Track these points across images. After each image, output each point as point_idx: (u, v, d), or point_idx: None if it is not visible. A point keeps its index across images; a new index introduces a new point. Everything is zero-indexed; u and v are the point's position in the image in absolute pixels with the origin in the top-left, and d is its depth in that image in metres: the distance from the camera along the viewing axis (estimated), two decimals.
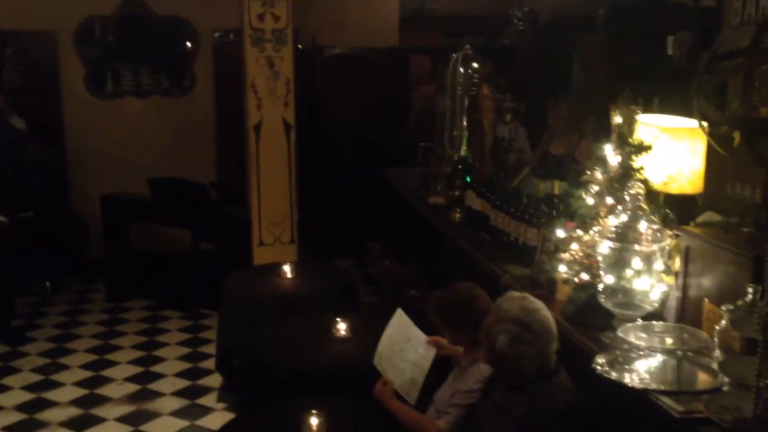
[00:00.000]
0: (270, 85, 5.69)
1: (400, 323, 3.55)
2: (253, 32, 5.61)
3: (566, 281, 3.32)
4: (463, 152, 5.14)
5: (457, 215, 4.84)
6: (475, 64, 5.20)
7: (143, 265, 6.80)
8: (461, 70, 5.19)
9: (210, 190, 6.94)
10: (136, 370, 5.45)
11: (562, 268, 3.36)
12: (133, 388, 5.18)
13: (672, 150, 3.29)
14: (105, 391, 5.15)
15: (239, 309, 4.79)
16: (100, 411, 4.87)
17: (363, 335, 3.98)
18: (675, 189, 3.28)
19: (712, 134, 3.00)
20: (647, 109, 5.46)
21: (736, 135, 2.96)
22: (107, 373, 5.41)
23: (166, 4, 7.31)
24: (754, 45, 2.91)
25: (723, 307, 2.45)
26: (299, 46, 6.95)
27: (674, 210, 3.22)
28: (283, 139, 5.81)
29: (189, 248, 6.69)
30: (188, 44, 7.50)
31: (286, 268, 5.02)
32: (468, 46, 5.28)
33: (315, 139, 7.07)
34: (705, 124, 2.92)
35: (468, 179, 4.93)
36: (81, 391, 5.13)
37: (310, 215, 6.25)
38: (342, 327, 4.09)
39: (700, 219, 3.10)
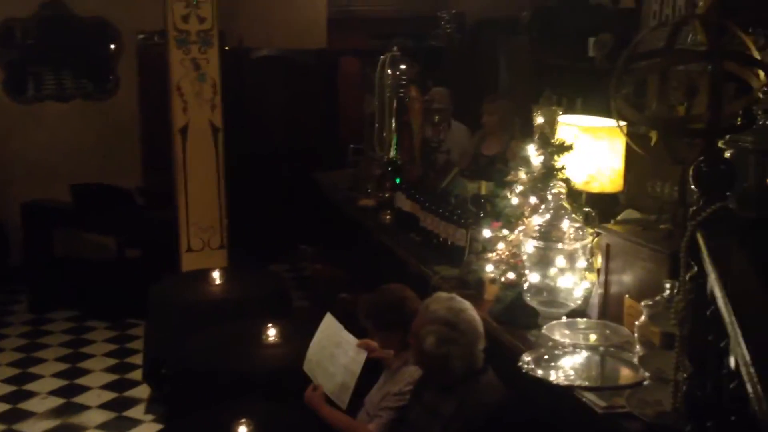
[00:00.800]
0: (196, 87, 5.59)
1: (329, 327, 3.53)
2: (177, 34, 5.50)
3: (493, 281, 3.36)
4: (392, 154, 5.14)
5: (387, 217, 4.85)
6: (403, 66, 5.21)
7: (67, 274, 6.60)
8: (389, 71, 5.19)
9: (136, 195, 6.78)
10: (61, 383, 5.28)
11: (489, 268, 3.41)
12: (57, 401, 5.02)
13: (592, 150, 3.36)
14: (28, 405, 4.97)
15: (167, 317, 4.69)
16: (23, 427, 4.71)
17: (295, 340, 3.94)
18: (596, 188, 3.36)
19: (630, 134, 3.08)
20: (571, 110, 5.59)
21: (653, 134, 3.04)
22: (30, 387, 5.23)
23: (88, 5, 7.11)
24: (669, 45, 3.00)
25: (642, 303, 2.52)
26: (226, 47, 6.85)
27: (597, 208, 3.29)
28: (211, 143, 5.72)
29: (114, 256, 6.52)
30: (112, 46, 7.32)
31: (215, 274, 4.94)
32: (396, 47, 5.30)
33: (244, 141, 6.99)
34: (623, 123, 2.99)
35: (397, 181, 4.93)
36: (2, 407, 4.95)
37: (241, 219, 6.16)
38: (273, 332, 4.05)
39: (620, 217, 3.18)
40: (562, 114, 3.52)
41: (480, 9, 7.86)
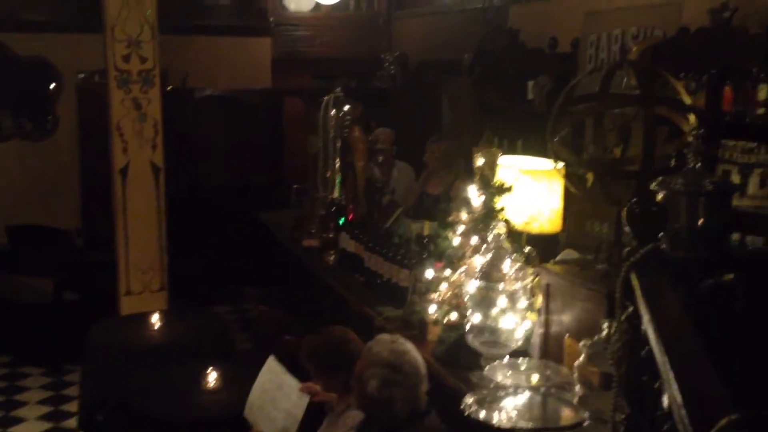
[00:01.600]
0: (137, 127, 5.52)
1: (272, 370, 3.48)
2: (118, 74, 5.45)
3: (436, 322, 3.36)
4: (336, 194, 5.15)
5: (331, 257, 4.82)
6: (346, 107, 5.24)
7: (1, 317, 6.38)
8: (333, 112, 5.22)
9: (74, 236, 6.63)
10: None
11: (432, 309, 3.41)
12: None
13: (532, 191, 3.41)
14: None
15: (104, 362, 4.55)
16: None
17: (236, 384, 3.87)
18: (536, 228, 3.40)
19: (568, 174, 3.14)
20: (512, 150, 5.69)
21: (590, 176, 3.11)
22: None
23: (28, 44, 7.01)
24: (603, 90, 3.09)
25: (581, 343, 2.54)
26: (169, 87, 6.81)
27: (537, 248, 3.32)
28: (152, 183, 5.64)
29: (51, 299, 6.33)
30: (51, 86, 7.20)
31: (155, 317, 4.84)
32: (339, 88, 5.34)
33: (187, 181, 6.92)
34: (560, 165, 3.05)
35: (341, 221, 4.93)
36: None
37: (183, 260, 6.07)
38: (214, 376, 3.97)
39: (559, 257, 3.22)
40: (503, 155, 3.58)
41: (422, 51, 7.99)
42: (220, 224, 7.14)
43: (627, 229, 2.12)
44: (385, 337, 2.95)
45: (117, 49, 5.40)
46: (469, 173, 4.05)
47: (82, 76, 7.20)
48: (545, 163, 3.46)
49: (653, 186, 2.42)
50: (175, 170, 5.99)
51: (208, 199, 7.23)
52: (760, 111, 3.53)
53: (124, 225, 5.56)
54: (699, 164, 2.36)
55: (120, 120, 5.48)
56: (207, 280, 6.83)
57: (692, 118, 2.74)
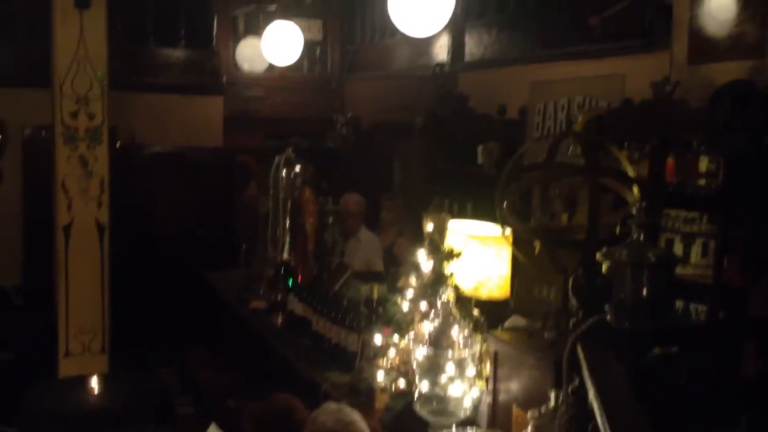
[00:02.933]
0: (82, 184, 5.43)
1: None
2: (65, 130, 5.37)
3: (384, 389, 3.31)
4: (285, 255, 5.10)
5: (279, 320, 4.75)
6: (297, 167, 5.24)
7: None
8: (284, 172, 5.21)
9: (12, 294, 6.42)
10: None
11: (380, 375, 3.36)
12: None
13: (480, 256, 3.43)
14: None
15: (41, 426, 4.39)
16: None
17: None
18: (485, 294, 3.40)
19: (516, 240, 3.17)
20: (462, 214, 5.74)
21: (537, 243, 3.14)
22: None
23: None
24: (549, 159, 3.15)
25: (529, 414, 2.53)
26: (117, 143, 6.73)
27: (486, 314, 3.32)
28: (96, 241, 5.52)
29: None
30: None
31: (94, 381, 4.69)
32: (290, 149, 5.34)
33: (133, 239, 6.79)
34: (508, 232, 3.08)
35: (290, 283, 4.88)
36: None
37: (126, 321, 5.91)
38: None
39: (507, 323, 3.22)
40: (452, 220, 3.60)
41: (374, 113, 8.08)
42: (166, 283, 7.00)
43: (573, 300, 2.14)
44: (330, 406, 2.89)
45: (65, 105, 5.34)
46: (418, 235, 4.06)
47: (28, 131, 7.09)
48: (494, 229, 3.49)
49: (598, 256, 2.45)
50: (122, 228, 5.88)
51: (154, 258, 7.10)
52: (701, 182, 3.63)
53: (65, 284, 5.41)
54: (642, 236, 2.40)
55: (65, 177, 5.39)
56: (150, 340, 6.65)
57: (635, 189, 2.80)
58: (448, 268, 3.32)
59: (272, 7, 7.38)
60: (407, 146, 7.08)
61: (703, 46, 3.88)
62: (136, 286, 6.62)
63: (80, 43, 5.25)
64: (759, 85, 3.45)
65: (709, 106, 3.47)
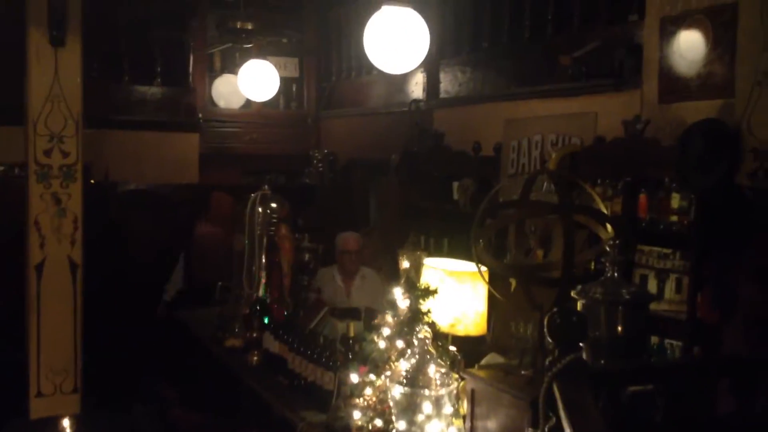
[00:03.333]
0: (55, 222, 5.37)
1: None
2: (38, 167, 5.32)
3: (360, 428, 3.28)
4: (261, 292, 5.07)
5: (255, 358, 4.70)
6: (273, 204, 5.23)
7: None
8: (260, 209, 5.20)
9: None
10: None
11: (357, 415, 3.33)
12: None
13: (457, 293, 3.44)
14: None
15: None
16: None
17: None
18: (461, 331, 3.40)
19: (492, 277, 3.18)
20: (438, 250, 5.75)
21: (513, 280, 3.16)
22: None
23: None
24: (524, 197, 3.18)
25: None
26: (92, 180, 6.69)
27: (463, 351, 3.32)
28: (69, 280, 5.45)
29: None
30: None
31: (66, 423, 4.57)
32: (266, 186, 5.34)
33: (106, 277, 6.71)
34: (483, 269, 3.09)
35: (266, 320, 4.83)
36: None
37: (99, 360, 5.82)
38: None
39: (484, 361, 3.22)
40: (428, 257, 3.61)
41: (351, 150, 8.12)
42: (140, 321, 6.91)
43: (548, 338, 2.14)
44: None
45: (39, 143, 5.30)
46: (394, 271, 4.06)
47: (1, 168, 7.03)
48: (470, 266, 3.51)
49: (573, 294, 2.47)
50: (95, 266, 5.82)
51: (128, 296, 7.02)
52: (674, 219, 3.67)
53: (37, 323, 5.33)
54: (616, 273, 2.42)
55: (38, 215, 5.33)
56: (123, 379, 6.55)
57: (609, 227, 2.84)
58: (425, 305, 3.31)
59: (248, 45, 7.42)
60: (383, 183, 7.12)
61: (673, 86, 3.95)
62: (110, 325, 6.54)
63: (55, 81, 5.24)
64: (728, 124, 3.52)
65: (679, 145, 3.53)
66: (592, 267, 3.74)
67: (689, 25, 3.86)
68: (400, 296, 3.35)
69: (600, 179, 4.09)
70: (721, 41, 3.69)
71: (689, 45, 3.86)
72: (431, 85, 6.81)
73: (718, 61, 3.71)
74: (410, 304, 3.31)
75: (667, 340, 3.63)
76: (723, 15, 3.68)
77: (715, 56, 3.73)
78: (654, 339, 3.65)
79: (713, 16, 3.73)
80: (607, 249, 2.54)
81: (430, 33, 4.26)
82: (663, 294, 3.73)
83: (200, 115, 8.23)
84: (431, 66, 6.70)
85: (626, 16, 4.63)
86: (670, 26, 3.97)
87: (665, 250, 3.73)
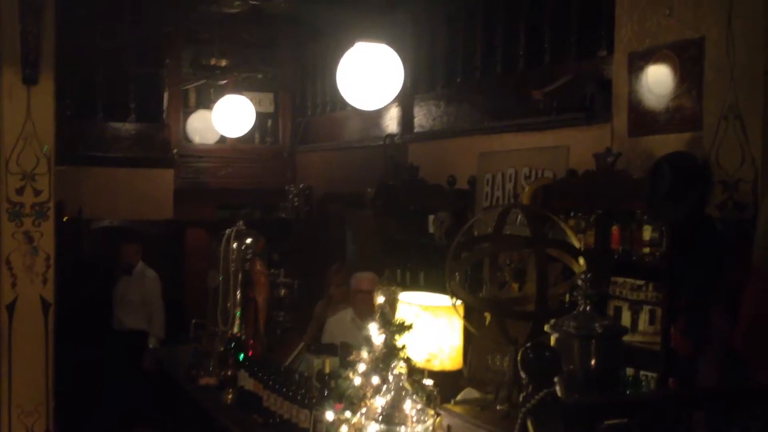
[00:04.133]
0: (27, 261, 5.31)
1: None
2: (10, 206, 5.27)
3: None
4: (236, 329, 5.02)
5: (229, 396, 4.64)
6: (248, 240, 5.21)
7: None
8: (234, 245, 5.17)
9: None
10: None
11: None
12: None
13: (432, 327, 3.43)
14: None
15: None
16: None
17: None
18: (437, 366, 3.39)
19: (468, 310, 3.18)
20: (415, 283, 5.74)
21: (488, 314, 3.16)
22: None
23: None
24: (497, 231, 3.19)
25: None
26: (65, 218, 6.63)
27: (439, 386, 3.30)
28: (41, 319, 5.37)
29: None
30: None
31: None
32: (241, 221, 5.32)
33: (80, 316, 6.63)
34: (458, 304, 3.09)
35: (240, 357, 4.79)
36: None
37: (73, 400, 5.72)
38: None
39: (460, 396, 3.21)
40: (404, 291, 3.60)
41: (326, 184, 8.13)
42: (114, 360, 6.82)
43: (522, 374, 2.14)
44: None
45: (10, 181, 5.26)
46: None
47: None
48: (445, 299, 3.50)
49: (547, 328, 2.47)
50: (68, 304, 5.74)
51: (101, 335, 6.92)
52: (646, 250, 3.70)
53: (8, 363, 5.23)
54: (589, 307, 2.43)
55: (10, 253, 5.26)
56: (96, 419, 6.44)
57: (582, 261, 2.85)
58: (400, 340, 3.30)
59: (223, 82, 7.45)
60: (359, 216, 7.12)
61: (643, 119, 4.01)
62: (83, 363, 6.44)
63: (27, 119, 5.22)
64: (697, 157, 3.57)
65: (649, 177, 3.57)
66: (567, 299, 3.75)
67: (657, 60, 3.93)
68: (375, 332, 3.34)
69: (573, 212, 4.12)
70: (688, 76, 3.76)
71: (657, 79, 3.92)
72: (406, 120, 6.85)
73: (686, 95, 3.78)
74: (385, 340, 3.30)
75: (642, 372, 3.63)
76: (689, 50, 3.75)
77: (683, 90, 3.80)
78: (629, 371, 3.65)
79: (680, 51, 3.80)
80: (579, 283, 2.55)
81: (404, 68, 4.31)
82: (637, 325, 3.74)
83: (175, 151, 8.21)
84: (406, 100, 6.75)
85: (596, 52, 4.70)
86: (638, 61, 4.04)
87: (638, 282, 3.76)
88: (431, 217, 5.82)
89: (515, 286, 3.90)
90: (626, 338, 3.60)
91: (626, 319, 3.80)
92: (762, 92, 3.31)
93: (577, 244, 3.03)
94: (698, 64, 3.67)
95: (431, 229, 5.81)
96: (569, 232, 3.04)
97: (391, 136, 6.91)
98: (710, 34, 3.56)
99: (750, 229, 3.20)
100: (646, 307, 3.71)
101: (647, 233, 3.71)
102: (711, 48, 3.56)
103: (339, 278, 5.40)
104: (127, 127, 8.03)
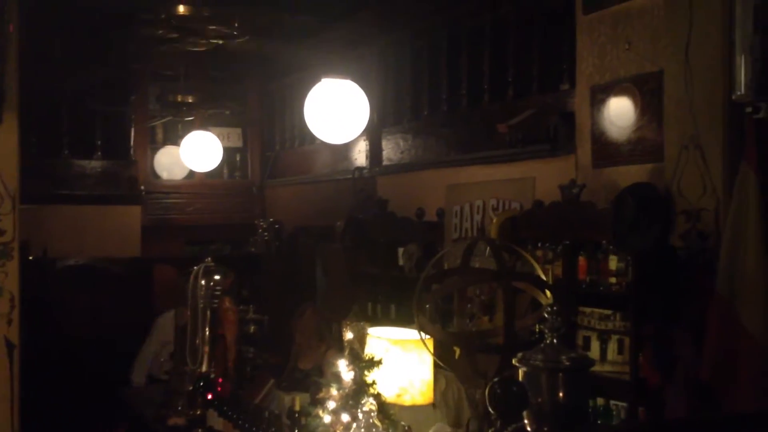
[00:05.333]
0: None
1: None
2: None
3: None
4: (204, 368, 4.96)
5: None
6: (216, 276, 5.16)
7: None
8: (202, 282, 5.13)
9: None
10: None
11: None
12: None
13: (402, 362, 3.41)
14: None
15: None
16: None
17: None
18: (408, 401, 3.37)
19: (438, 345, 3.18)
20: (386, 316, 5.72)
21: (457, 348, 3.16)
22: None
23: None
24: (464, 264, 3.21)
25: None
26: (30, 257, 6.53)
27: (411, 421, 3.28)
28: (5, 361, 5.23)
29: None
30: None
31: None
32: (209, 258, 5.27)
33: (46, 358, 6.50)
34: (426, 338, 3.09)
35: (210, 396, 4.72)
36: None
37: None
38: None
39: (431, 431, 3.19)
40: (374, 325, 3.59)
41: (296, 218, 8.12)
42: (81, 402, 6.69)
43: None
44: None
45: None
46: (341, 342, 4.01)
47: None
48: (415, 333, 3.49)
49: (515, 361, 2.48)
50: (34, 345, 5.63)
51: (69, 376, 6.79)
52: (612, 280, 3.73)
53: None
54: (555, 340, 2.44)
55: None
56: None
57: (548, 293, 2.87)
58: (370, 376, 3.28)
59: (189, 118, 7.44)
60: (329, 250, 7.10)
61: (606, 151, 4.07)
62: (49, 406, 6.30)
63: None
64: (659, 187, 3.62)
65: (613, 208, 3.62)
66: (537, 330, 3.77)
67: (618, 93, 4.00)
68: (344, 368, 3.32)
69: (540, 243, 4.15)
70: (648, 108, 3.83)
71: (619, 112, 4.00)
72: (374, 153, 6.89)
73: (647, 127, 3.85)
74: (355, 377, 3.28)
75: (612, 402, 3.64)
76: (649, 83, 3.83)
77: (644, 122, 3.87)
78: (600, 401, 3.67)
79: (640, 84, 3.88)
80: (546, 315, 2.56)
81: (372, 102, 4.35)
82: (606, 355, 3.76)
83: (142, 188, 8.16)
84: (374, 134, 6.80)
85: (558, 85, 4.79)
86: (599, 94, 4.11)
87: (606, 312, 3.78)
88: (401, 250, 5.83)
89: (486, 318, 3.92)
90: (596, 368, 3.63)
91: (595, 349, 3.81)
92: (721, 123, 3.38)
93: (543, 276, 3.04)
94: (658, 96, 3.74)
95: (401, 262, 5.82)
96: (535, 264, 3.06)
97: (359, 169, 6.94)
98: (669, 68, 3.64)
99: (713, 259, 3.25)
100: (615, 337, 3.73)
101: (613, 263, 3.74)
102: (670, 81, 3.63)
103: (302, 326, 5.28)
104: (93, 165, 7.97)
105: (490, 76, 5.50)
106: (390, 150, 6.73)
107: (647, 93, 3.84)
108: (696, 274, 3.33)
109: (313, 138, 7.40)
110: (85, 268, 7.29)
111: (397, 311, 5.73)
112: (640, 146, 3.89)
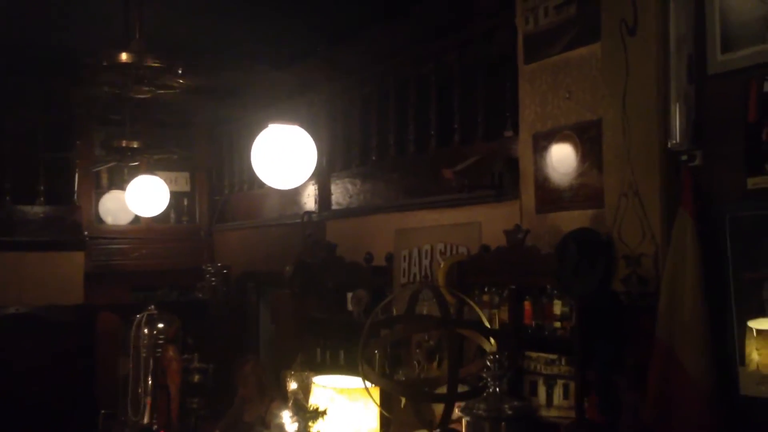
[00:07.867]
0: None
1: None
2: None
3: None
4: (147, 419, 4.83)
5: None
6: (160, 324, 5.06)
7: None
8: (146, 330, 5.02)
9: None
10: None
11: None
12: None
13: (348, 411, 3.37)
14: None
15: None
16: None
17: None
18: None
19: (385, 393, 3.15)
20: (335, 362, 5.65)
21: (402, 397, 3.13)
22: None
23: None
24: (409, 312, 3.20)
25: None
26: None
27: None
28: None
29: None
30: None
31: None
32: (153, 306, 5.17)
33: None
34: (371, 387, 3.05)
35: None
36: None
37: None
38: None
39: None
40: (322, 372, 3.55)
41: (244, 263, 8.03)
42: None
43: None
44: None
45: None
46: (285, 393, 3.95)
47: None
48: (360, 382, 3.46)
49: (458, 411, 2.46)
50: None
51: (7, 429, 6.54)
52: (557, 324, 3.76)
53: None
54: (498, 388, 2.44)
55: None
56: None
57: (493, 340, 2.87)
58: (314, 427, 3.23)
59: (135, 164, 7.35)
60: (278, 296, 7.02)
61: (549, 196, 4.13)
62: None
63: None
64: (601, 233, 3.68)
65: (556, 253, 3.66)
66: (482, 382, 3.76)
67: (559, 140, 4.07)
68: (288, 420, 3.27)
69: (487, 287, 4.16)
70: (589, 155, 3.91)
71: (560, 158, 4.06)
72: (323, 197, 6.88)
73: (588, 174, 3.92)
74: (299, 428, 3.23)
75: None
76: (589, 131, 3.91)
77: (585, 169, 3.94)
78: None
79: (580, 132, 3.96)
80: (489, 364, 2.56)
81: (320, 147, 4.35)
82: (552, 400, 3.76)
83: (86, 233, 8.00)
84: (322, 178, 6.80)
85: (502, 132, 4.86)
86: (542, 141, 4.18)
87: (551, 356, 3.80)
88: (349, 295, 5.80)
89: (435, 365, 3.90)
90: (543, 413, 3.64)
91: (542, 393, 3.82)
92: (657, 171, 3.45)
93: (487, 324, 3.05)
94: (598, 144, 3.81)
95: (350, 307, 5.79)
96: (479, 311, 3.07)
97: (308, 213, 6.92)
98: (607, 116, 3.72)
99: (653, 303, 3.29)
100: (560, 381, 3.75)
101: (558, 308, 3.77)
102: (608, 129, 3.71)
103: (244, 379, 5.17)
104: (36, 210, 7.81)
105: (436, 123, 5.57)
106: (339, 194, 6.73)
107: (587, 141, 3.91)
108: (637, 318, 3.37)
109: (262, 182, 7.36)
110: (26, 316, 7.08)
111: (347, 357, 5.67)
112: (582, 192, 3.95)
